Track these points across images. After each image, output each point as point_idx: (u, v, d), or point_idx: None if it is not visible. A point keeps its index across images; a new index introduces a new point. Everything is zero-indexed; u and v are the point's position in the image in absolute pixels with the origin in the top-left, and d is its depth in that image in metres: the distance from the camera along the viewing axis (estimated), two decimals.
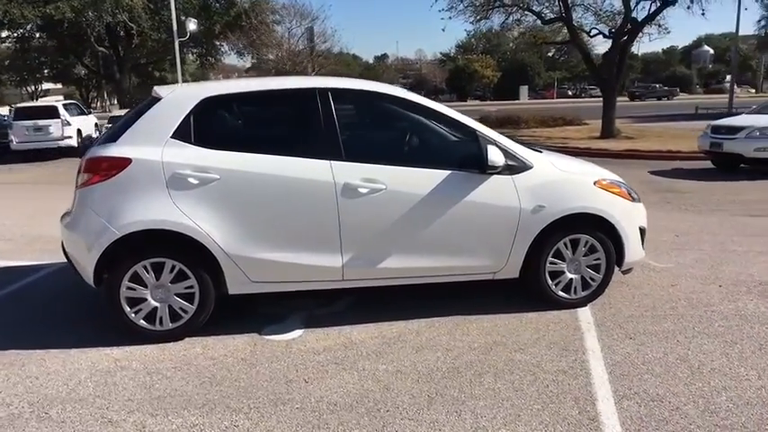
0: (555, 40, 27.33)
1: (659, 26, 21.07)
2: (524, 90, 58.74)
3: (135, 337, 3.88)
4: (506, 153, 4.10)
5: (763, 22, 36.90)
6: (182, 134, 3.82)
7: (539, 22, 21.92)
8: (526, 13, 21.68)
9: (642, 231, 4.53)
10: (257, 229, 3.85)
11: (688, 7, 19.66)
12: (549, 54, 69.39)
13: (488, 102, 55.62)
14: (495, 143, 4.11)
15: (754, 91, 61.69)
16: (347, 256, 3.99)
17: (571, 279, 4.36)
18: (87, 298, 4.73)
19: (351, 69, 44.26)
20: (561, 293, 4.37)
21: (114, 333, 3.98)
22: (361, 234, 3.98)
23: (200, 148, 3.81)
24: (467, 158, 4.07)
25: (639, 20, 19.60)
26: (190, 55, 29.09)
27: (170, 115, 3.85)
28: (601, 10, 20.62)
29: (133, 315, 3.84)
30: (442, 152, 4.20)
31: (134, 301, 3.83)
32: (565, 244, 4.28)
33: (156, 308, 3.85)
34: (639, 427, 2.91)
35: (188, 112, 3.85)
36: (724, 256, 5.76)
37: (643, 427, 2.91)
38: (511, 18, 22.34)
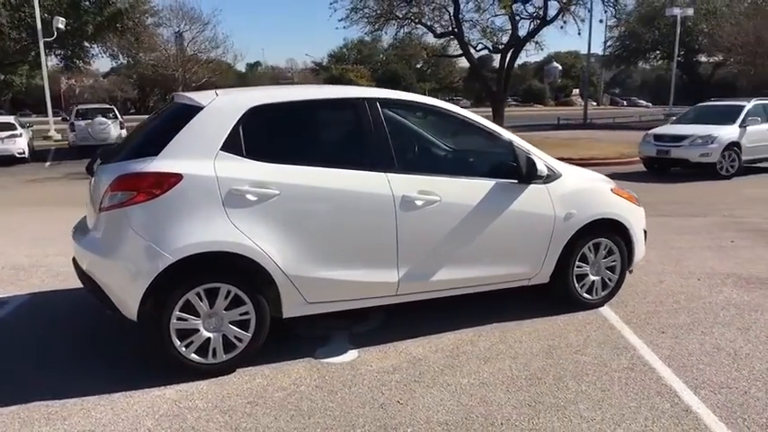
0: (444, 53, 28.56)
1: (537, 43, 22.97)
2: None
3: (184, 373, 3.46)
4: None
5: (609, 43, 41.57)
6: (232, 146, 3.49)
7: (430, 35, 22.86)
8: (418, 26, 22.54)
9: (645, 233, 4.92)
10: (316, 246, 3.63)
11: (561, 27, 21.66)
12: (418, 66, 72.37)
13: None
14: (531, 153, 4.24)
15: (595, 104, 69.05)
16: (403, 270, 3.89)
17: (593, 281, 4.62)
18: (83, 330, 4.17)
19: (225, 78, 42.53)
20: (585, 295, 4.61)
21: (142, 370, 3.56)
22: (417, 247, 3.91)
23: (255, 162, 3.51)
24: (508, 168, 4.16)
25: (522, 37, 21.24)
26: (53, 57, 26.26)
27: (217, 126, 3.50)
28: (487, 27, 21.98)
29: (184, 349, 3.42)
30: (485, 162, 4.27)
31: (185, 333, 3.42)
32: (589, 248, 4.53)
33: (209, 339, 3.47)
34: (729, 413, 3.17)
35: (236, 121, 3.53)
36: (677, 253, 6.42)
37: (732, 413, 3.16)
38: (402, 30, 23.08)
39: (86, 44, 25.54)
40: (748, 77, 33.84)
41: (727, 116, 13.08)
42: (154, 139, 3.57)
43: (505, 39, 22.55)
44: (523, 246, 4.26)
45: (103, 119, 19.69)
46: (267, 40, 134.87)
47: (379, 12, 21.15)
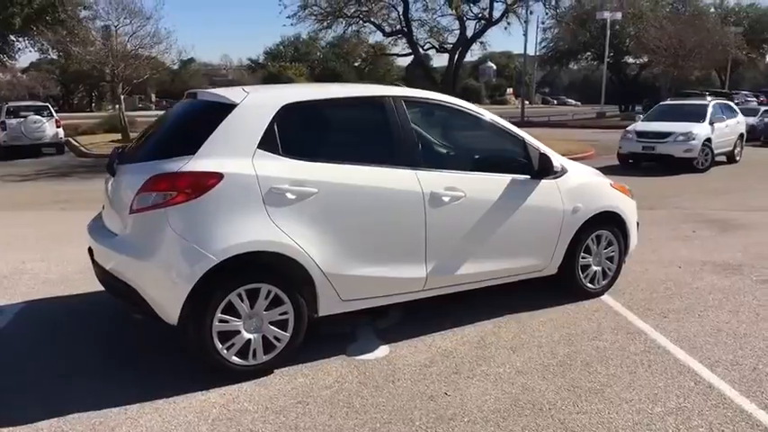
0: (388, 51, 28.78)
1: (482, 43, 23.56)
2: None
3: (224, 376, 3.40)
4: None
5: (543, 44, 43.16)
6: (268, 144, 3.45)
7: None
8: (366, 24, 22.61)
9: (637, 224, 5.21)
10: (351, 243, 3.64)
11: (505, 28, 22.34)
12: (356, 64, 72.38)
13: None
14: (542, 149, 4.42)
15: (528, 103, 71.34)
16: (431, 265, 3.96)
17: (595, 271, 4.86)
18: (93, 337, 4.01)
19: (160, 75, 40.85)
20: (589, 284, 4.84)
21: (174, 374, 3.51)
22: (443, 242, 3.99)
23: (292, 160, 3.48)
24: (524, 165, 4.32)
25: (469, 37, 21.74)
26: None
27: (253, 123, 3.45)
28: (434, 27, 22.35)
29: (225, 351, 3.36)
30: (502, 159, 4.39)
31: (226, 336, 3.35)
32: (592, 239, 4.76)
33: (249, 340, 3.42)
34: (747, 388, 3.44)
35: (271, 119, 3.49)
36: (652, 244, 6.78)
37: (749, 387, 3.43)
38: (351, 29, 23.10)
39: (12, 38, 23.95)
40: (671, 78, 36.00)
41: (696, 115, 13.98)
42: (183, 138, 3.47)
43: (451, 39, 23.02)
44: (538, 238, 4.43)
45: (37, 117, 18.54)
46: (199, 36, 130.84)
47: (328, 9, 21.07)
